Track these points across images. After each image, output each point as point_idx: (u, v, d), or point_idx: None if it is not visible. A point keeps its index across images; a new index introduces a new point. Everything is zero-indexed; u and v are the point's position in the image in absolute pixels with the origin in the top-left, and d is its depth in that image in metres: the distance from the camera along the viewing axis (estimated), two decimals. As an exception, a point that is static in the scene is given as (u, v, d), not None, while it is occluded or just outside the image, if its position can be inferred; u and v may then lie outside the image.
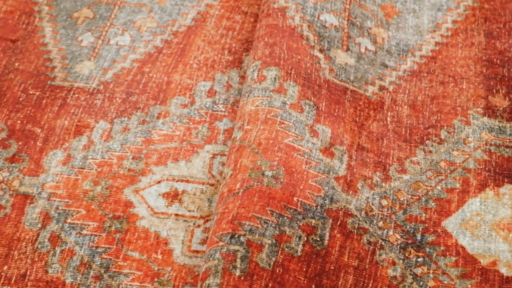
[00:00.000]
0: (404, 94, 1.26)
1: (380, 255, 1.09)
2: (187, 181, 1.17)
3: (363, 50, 1.30)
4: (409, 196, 1.11)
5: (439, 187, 1.14)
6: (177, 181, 1.17)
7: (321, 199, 1.10)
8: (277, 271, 1.02)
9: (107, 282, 1.06)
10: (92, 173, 1.18)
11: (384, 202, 1.12)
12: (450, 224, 1.10)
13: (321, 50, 1.27)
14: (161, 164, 1.19)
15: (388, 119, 1.22)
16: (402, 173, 1.14)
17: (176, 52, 1.37)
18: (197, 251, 1.09)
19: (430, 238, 1.08)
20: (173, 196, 1.15)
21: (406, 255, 1.09)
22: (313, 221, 1.09)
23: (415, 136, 1.19)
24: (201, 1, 1.46)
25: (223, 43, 1.38)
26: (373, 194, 1.13)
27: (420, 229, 1.12)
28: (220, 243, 1.02)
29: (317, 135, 1.17)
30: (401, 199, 1.11)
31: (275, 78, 1.21)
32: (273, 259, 1.03)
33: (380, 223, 1.09)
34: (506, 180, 1.15)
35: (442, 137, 1.19)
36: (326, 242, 1.07)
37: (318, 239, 1.09)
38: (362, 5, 1.36)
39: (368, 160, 1.16)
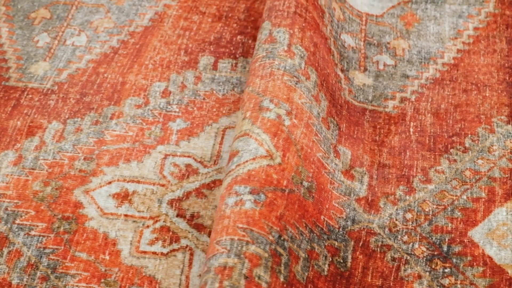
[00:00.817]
0: (427, 102, 1.31)
1: (405, 270, 1.13)
2: (138, 182, 1.18)
3: (381, 67, 1.37)
4: (434, 206, 1.17)
5: (464, 197, 1.22)
6: (128, 181, 1.18)
7: (343, 221, 1.17)
8: (309, 287, 1.06)
9: (53, 283, 1.07)
10: (43, 173, 1.19)
11: (409, 216, 1.19)
12: (476, 234, 1.18)
13: (342, 70, 1.38)
14: (112, 165, 1.20)
15: (411, 129, 1.28)
16: (426, 183, 1.22)
17: (132, 53, 1.37)
18: (145, 252, 1.10)
19: (457, 248, 1.15)
20: (123, 197, 1.16)
21: (433, 266, 1.14)
22: (336, 243, 1.14)
23: (439, 145, 1.24)
24: (159, 2, 1.47)
25: (180, 44, 1.39)
26: (397, 209, 1.20)
27: (446, 239, 1.16)
28: (270, 237, 1.03)
29: (339, 156, 1.24)
30: (426, 209, 1.17)
31: (315, 84, 1.26)
32: (306, 274, 1.07)
33: (405, 238, 1.17)
34: None
35: (467, 145, 1.24)
36: (349, 264, 1.12)
37: (341, 260, 1.13)
38: (379, 22, 1.41)
39: (390, 177, 1.24)
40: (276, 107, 1.17)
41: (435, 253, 1.14)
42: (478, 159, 1.25)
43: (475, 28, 1.47)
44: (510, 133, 1.29)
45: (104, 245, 1.16)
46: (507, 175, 1.23)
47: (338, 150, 1.24)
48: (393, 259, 1.14)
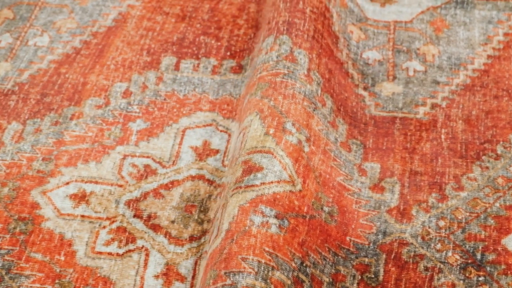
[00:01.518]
0: (458, 109, 1.36)
1: (438, 279, 1.15)
2: (96, 182, 1.20)
3: (411, 73, 1.43)
4: (467, 214, 1.22)
5: (497, 204, 1.25)
6: (85, 182, 1.20)
7: (374, 236, 1.20)
8: None
9: (7, 284, 1.08)
10: (0, 174, 1.18)
11: (442, 223, 1.23)
12: (510, 242, 1.20)
13: (365, 88, 1.43)
14: (71, 166, 1.21)
15: (442, 136, 1.32)
16: (459, 190, 1.26)
17: (94, 53, 1.39)
18: (100, 253, 1.11)
19: (491, 257, 1.19)
20: (81, 198, 1.18)
21: (467, 275, 1.16)
22: (366, 259, 1.17)
23: (471, 152, 1.29)
24: (123, 2, 1.48)
25: (142, 44, 1.40)
26: (429, 217, 1.24)
27: (480, 247, 1.19)
28: (293, 264, 1.09)
29: (365, 174, 1.28)
30: (459, 217, 1.22)
31: (330, 110, 1.32)
32: None
33: (438, 246, 1.20)
34: None
35: (499, 152, 1.28)
36: (381, 277, 1.16)
37: (373, 276, 1.16)
38: (409, 27, 1.44)
39: (422, 184, 1.28)
40: (298, 132, 1.23)
41: (469, 261, 1.18)
42: (510, 166, 1.29)
43: (505, 34, 1.51)
44: None
45: (59, 246, 1.17)
46: None
47: (364, 168, 1.29)
48: (426, 269, 1.17)
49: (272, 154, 1.17)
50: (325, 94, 1.33)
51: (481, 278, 1.15)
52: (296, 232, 1.12)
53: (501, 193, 1.25)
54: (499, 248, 1.18)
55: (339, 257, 1.16)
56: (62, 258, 1.17)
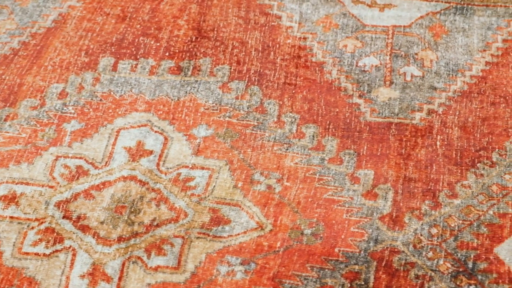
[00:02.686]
0: (455, 116, 1.38)
1: (429, 287, 1.18)
2: (27, 184, 1.21)
3: (408, 78, 1.46)
4: (460, 222, 1.23)
5: (491, 212, 1.27)
6: (16, 183, 1.21)
7: (365, 243, 1.24)
8: None
9: None
10: None
11: (434, 231, 1.26)
12: (502, 250, 1.23)
13: (360, 96, 1.46)
14: (2, 167, 1.23)
15: (438, 143, 1.36)
16: (452, 198, 1.29)
17: (32, 54, 1.40)
18: (27, 253, 1.12)
19: (482, 265, 1.22)
20: (10, 199, 1.19)
21: (458, 283, 1.19)
22: (356, 267, 1.21)
23: (466, 159, 1.32)
24: (64, 3, 1.50)
25: (81, 45, 1.42)
26: (422, 224, 1.26)
27: (472, 256, 1.22)
28: None
29: (358, 181, 1.31)
30: (452, 225, 1.25)
31: (313, 136, 1.37)
32: None
33: (430, 254, 1.24)
34: None
35: (494, 159, 1.31)
36: (371, 284, 1.19)
37: (363, 283, 1.19)
38: (407, 32, 1.48)
39: (416, 191, 1.31)
40: (266, 178, 1.31)
41: (460, 269, 1.21)
42: (505, 174, 1.32)
43: (504, 40, 1.53)
44: None
45: (-14, 247, 1.18)
46: None
47: (357, 176, 1.32)
48: (417, 277, 1.20)
49: (240, 207, 1.27)
50: (304, 126, 1.38)
51: (472, 287, 1.17)
52: (266, 269, 1.20)
53: (495, 200, 1.27)
54: (491, 257, 1.20)
55: (326, 270, 1.20)
56: (-11, 259, 1.18)
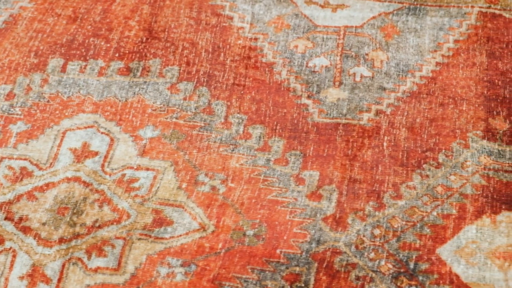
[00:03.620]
0: (403, 116, 1.39)
1: None
2: (-31, 185, 1.22)
3: (358, 78, 1.46)
4: (404, 223, 1.24)
5: (434, 213, 1.28)
6: (-41, 185, 1.22)
7: (307, 244, 1.25)
8: None
9: None
10: None
11: (377, 232, 1.28)
12: (444, 251, 1.24)
13: (309, 96, 1.47)
14: None
15: (385, 144, 1.37)
16: (397, 199, 1.30)
17: (-19, 56, 1.41)
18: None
19: (424, 266, 1.24)
20: (-48, 201, 1.20)
21: (398, 284, 1.21)
22: (297, 268, 1.23)
23: (412, 160, 1.33)
24: (15, 4, 1.51)
25: (31, 46, 1.44)
26: (365, 225, 1.28)
27: (414, 257, 1.23)
28: None
29: (303, 182, 1.32)
30: (395, 226, 1.26)
31: (260, 137, 1.39)
32: None
33: (372, 254, 1.25)
34: (503, 207, 1.31)
35: (440, 160, 1.32)
36: (311, 286, 1.20)
37: (303, 285, 1.20)
38: (359, 33, 1.49)
39: (360, 192, 1.32)
40: (211, 179, 1.33)
41: (402, 270, 1.23)
42: (450, 175, 1.33)
43: (456, 41, 1.54)
44: (485, 148, 1.37)
45: None
46: (479, 192, 1.31)
47: (302, 177, 1.33)
48: (357, 278, 1.22)
49: (183, 208, 1.28)
50: (251, 126, 1.39)
51: None
52: (206, 271, 1.21)
53: (439, 201, 1.28)
54: (433, 258, 1.22)
55: (266, 272, 1.21)
56: None
